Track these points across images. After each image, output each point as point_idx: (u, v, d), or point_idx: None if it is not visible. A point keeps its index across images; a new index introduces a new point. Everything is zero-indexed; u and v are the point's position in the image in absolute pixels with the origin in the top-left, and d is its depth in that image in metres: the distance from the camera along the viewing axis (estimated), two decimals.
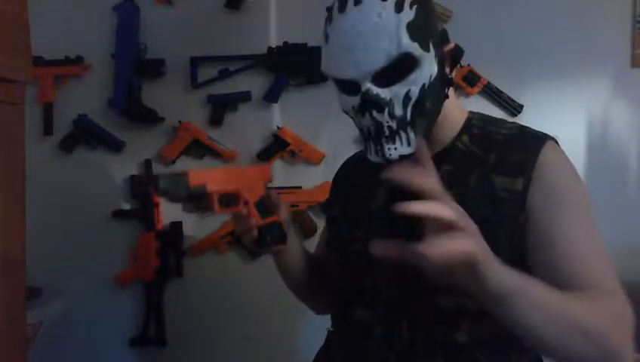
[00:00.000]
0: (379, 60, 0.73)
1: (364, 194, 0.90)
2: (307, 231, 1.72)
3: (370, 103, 0.76)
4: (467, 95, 1.66)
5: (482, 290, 0.59)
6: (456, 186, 0.79)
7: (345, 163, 1.06)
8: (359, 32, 0.73)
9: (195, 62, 1.75)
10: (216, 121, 1.75)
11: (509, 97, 1.65)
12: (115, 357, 1.80)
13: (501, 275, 0.59)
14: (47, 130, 1.79)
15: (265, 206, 0.87)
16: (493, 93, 1.66)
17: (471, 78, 1.65)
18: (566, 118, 1.65)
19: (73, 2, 1.80)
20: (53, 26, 1.77)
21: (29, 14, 1.13)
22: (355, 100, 0.78)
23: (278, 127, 1.73)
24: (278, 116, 1.76)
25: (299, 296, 1.04)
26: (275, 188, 1.72)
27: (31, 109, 1.72)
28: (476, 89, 1.66)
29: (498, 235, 0.75)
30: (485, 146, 0.82)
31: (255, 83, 1.75)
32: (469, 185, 0.79)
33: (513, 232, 0.76)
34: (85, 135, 1.79)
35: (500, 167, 0.79)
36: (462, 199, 0.76)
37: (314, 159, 1.73)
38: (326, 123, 1.72)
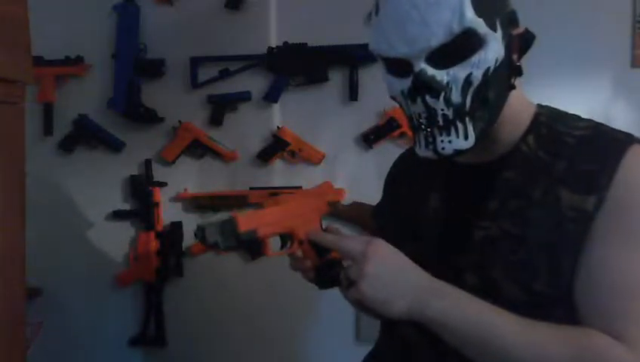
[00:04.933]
0: (437, 36, 0.63)
1: (415, 200, 0.80)
2: None
3: (423, 87, 0.66)
4: None
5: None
6: (519, 198, 0.70)
7: (396, 161, 0.95)
8: (415, 3, 0.64)
9: (195, 62, 1.75)
10: (216, 121, 1.75)
11: None
12: (115, 357, 1.80)
13: (403, 309, 0.65)
14: (47, 130, 1.79)
15: None
16: None
17: None
18: None
19: (73, 2, 1.80)
20: (53, 26, 1.77)
21: (29, 14, 1.13)
22: (406, 83, 0.68)
23: (278, 127, 1.73)
24: (278, 116, 1.75)
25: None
26: (275, 188, 1.73)
27: (31, 109, 1.72)
28: None
29: (562, 260, 0.65)
30: (553, 150, 0.70)
31: (255, 83, 1.75)
32: (534, 198, 0.68)
33: (577, 257, 0.65)
34: (85, 135, 1.79)
35: (568, 178, 0.67)
36: (524, 214, 0.68)
37: (314, 159, 1.73)
38: (326, 123, 1.72)
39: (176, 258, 1.78)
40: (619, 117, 1.64)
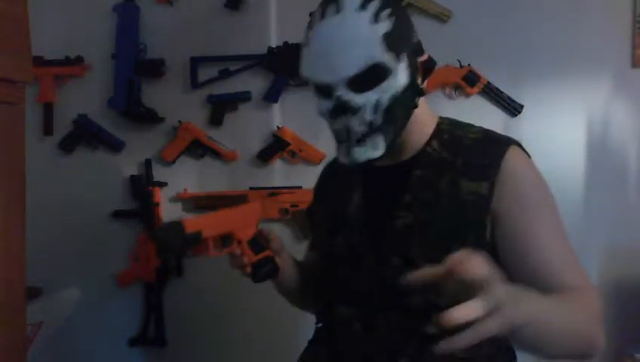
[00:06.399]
0: (353, 67, 0.77)
1: (342, 198, 0.94)
2: (307, 231, 1.72)
3: (342, 108, 0.80)
4: (467, 95, 1.66)
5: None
6: (427, 191, 0.84)
7: (324, 169, 1.09)
8: (337, 39, 0.78)
9: (195, 62, 1.75)
10: (216, 121, 1.75)
11: (509, 97, 1.65)
12: (115, 357, 1.80)
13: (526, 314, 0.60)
14: (47, 130, 1.79)
15: (257, 242, 0.93)
16: (493, 93, 1.66)
17: (471, 78, 1.65)
18: (566, 118, 1.65)
19: (73, 2, 1.80)
20: (53, 26, 1.77)
21: (29, 14, 1.13)
22: (330, 104, 0.82)
23: (278, 127, 1.73)
24: (278, 116, 1.76)
25: (295, 304, 1.09)
26: (275, 188, 1.73)
27: (31, 109, 1.72)
28: (476, 89, 1.65)
29: (466, 238, 0.80)
30: (454, 150, 0.85)
31: (255, 83, 1.75)
32: (439, 189, 0.83)
33: (480, 234, 0.80)
34: (85, 135, 1.79)
35: (466, 170, 0.83)
36: (433, 204, 0.83)
37: (314, 159, 1.73)
38: (326, 123, 1.72)
39: (176, 258, 1.78)
40: (619, 117, 1.65)
